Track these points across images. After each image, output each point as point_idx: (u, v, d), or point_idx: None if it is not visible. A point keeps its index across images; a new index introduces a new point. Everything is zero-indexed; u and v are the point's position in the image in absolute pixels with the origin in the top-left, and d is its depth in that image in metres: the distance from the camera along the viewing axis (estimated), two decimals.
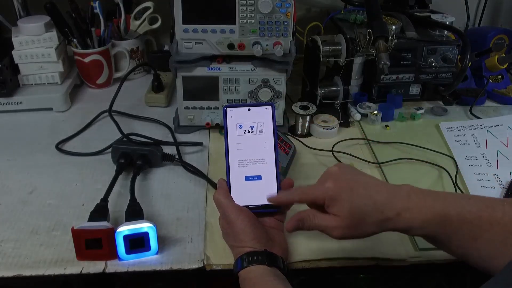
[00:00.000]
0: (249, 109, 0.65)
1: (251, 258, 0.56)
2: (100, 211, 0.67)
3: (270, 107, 0.65)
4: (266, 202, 0.62)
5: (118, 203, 0.73)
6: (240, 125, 0.64)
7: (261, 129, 0.65)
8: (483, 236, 0.51)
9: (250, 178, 0.63)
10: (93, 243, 0.61)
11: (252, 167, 0.63)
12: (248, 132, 0.64)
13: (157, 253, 0.63)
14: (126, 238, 0.61)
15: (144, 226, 0.62)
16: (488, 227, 0.51)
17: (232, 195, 0.62)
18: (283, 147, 0.80)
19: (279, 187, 0.63)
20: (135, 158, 0.79)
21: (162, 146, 0.83)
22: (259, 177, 0.63)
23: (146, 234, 0.62)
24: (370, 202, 0.53)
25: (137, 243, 0.62)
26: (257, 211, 0.62)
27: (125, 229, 0.61)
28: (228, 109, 0.65)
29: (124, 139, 0.85)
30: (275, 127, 0.65)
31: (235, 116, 0.65)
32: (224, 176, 0.64)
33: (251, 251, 0.57)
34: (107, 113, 0.96)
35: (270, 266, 0.56)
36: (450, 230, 0.52)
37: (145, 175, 0.80)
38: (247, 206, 0.61)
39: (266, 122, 0.65)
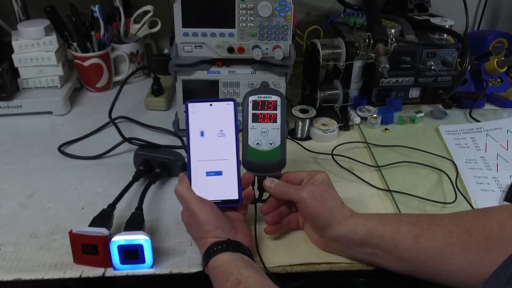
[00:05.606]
0: (211, 105, 0.65)
1: (216, 247, 0.57)
2: (102, 217, 0.66)
3: (232, 103, 0.65)
4: (226, 197, 0.63)
5: (126, 210, 0.71)
6: (202, 121, 0.64)
7: (223, 125, 0.65)
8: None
9: (210, 173, 0.64)
10: (90, 249, 0.60)
11: (213, 163, 0.64)
12: (210, 128, 0.64)
13: (152, 266, 0.62)
14: (121, 248, 0.60)
15: (139, 238, 0.60)
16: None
17: (193, 189, 0.62)
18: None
19: (239, 183, 0.64)
20: (155, 165, 0.78)
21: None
22: (219, 173, 0.64)
23: (140, 247, 0.60)
24: None
25: (131, 254, 0.60)
26: (218, 206, 0.62)
27: (120, 239, 0.59)
28: (190, 105, 0.65)
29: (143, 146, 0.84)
30: (237, 124, 0.65)
31: (197, 111, 0.65)
32: None
33: (216, 241, 0.58)
34: (120, 118, 0.96)
35: (235, 252, 0.57)
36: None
37: (162, 183, 0.79)
38: None
39: (228, 118, 0.65)
